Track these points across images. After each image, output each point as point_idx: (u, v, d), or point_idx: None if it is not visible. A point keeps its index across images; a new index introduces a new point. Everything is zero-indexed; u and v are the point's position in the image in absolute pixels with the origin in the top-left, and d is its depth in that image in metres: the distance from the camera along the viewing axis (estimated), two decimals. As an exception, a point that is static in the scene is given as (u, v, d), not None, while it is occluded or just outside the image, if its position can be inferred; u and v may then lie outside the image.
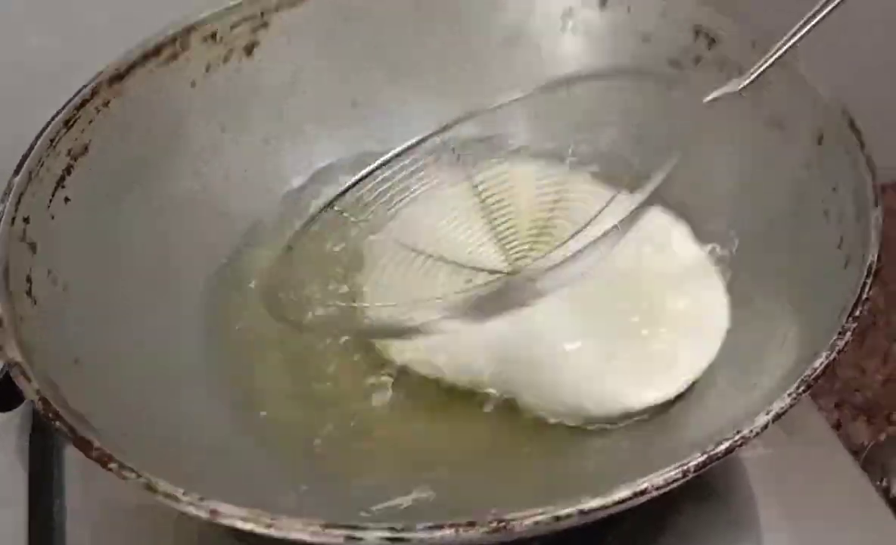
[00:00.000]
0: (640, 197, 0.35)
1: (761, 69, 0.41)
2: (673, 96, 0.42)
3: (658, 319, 0.44)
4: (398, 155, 0.48)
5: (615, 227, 0.35)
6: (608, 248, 0.36)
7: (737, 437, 0.31)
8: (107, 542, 0.45)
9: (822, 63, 0.45)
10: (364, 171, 0.47)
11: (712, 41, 0.50)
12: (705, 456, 0.31)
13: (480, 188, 0.49)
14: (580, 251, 0.35)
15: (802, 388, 0.32)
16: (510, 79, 0.48)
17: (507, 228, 0.47)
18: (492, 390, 0.43)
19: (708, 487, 0.45)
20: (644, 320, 0.44)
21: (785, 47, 0.40)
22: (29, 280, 0.39)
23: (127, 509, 0.45)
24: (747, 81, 0.41)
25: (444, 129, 0.48)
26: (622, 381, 0.42)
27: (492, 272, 0.45)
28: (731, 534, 0.44)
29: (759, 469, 0.46)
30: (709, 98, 0.40)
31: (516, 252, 0.46)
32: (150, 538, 0.45)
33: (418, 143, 0.48)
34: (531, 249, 0.46)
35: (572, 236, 0.36)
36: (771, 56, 0.40)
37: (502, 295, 0.36)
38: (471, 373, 0.43)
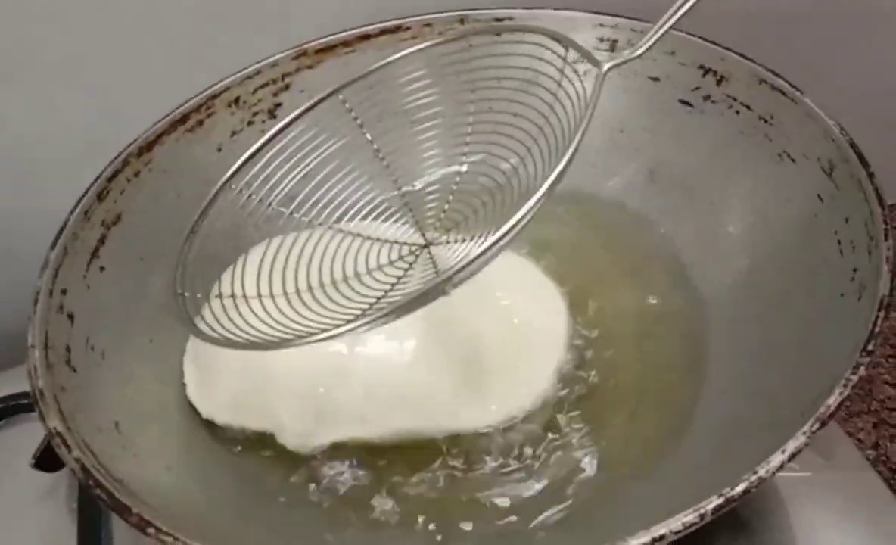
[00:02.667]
0: (562, 164, 0.34)
1: (659, 34, 0.40)
2: (577, 67, 0.40)
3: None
4: (293, 121, 0.44)
5: (535, 204, 0.34)
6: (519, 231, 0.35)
7: (753, 478, 0.31)
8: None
9: (829, 94, 0.46)
10: (261, 142, 0.43)
11: (721, 79, 0.50)
12: (722, 498, 0.31)
13: (382, 152, 0.47)
14: (492, 247, 0.34)
15: (817, 427, 0.33)
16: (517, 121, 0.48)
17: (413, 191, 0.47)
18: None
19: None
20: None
21: (676, 16, 0.39)
22: (68, 350, 0.41)
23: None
24: (646, 47, 0.40)
25: (339, 89, 0.44)
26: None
27: (407, 244, 0.45)
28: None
29: (794, 491, 0.47)
30: (609, 65, 0.40)
31: (427, 218, 0.46)
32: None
33: (314, 105, 0.44)
34: (440, 216, 0.46)
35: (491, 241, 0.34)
36: (663, 23, 0.40)
37: (422, 296, 0.34)
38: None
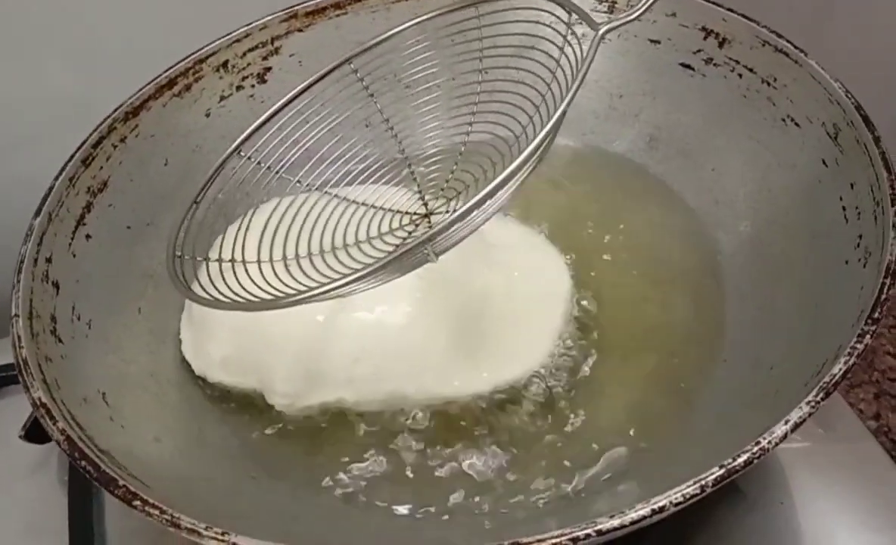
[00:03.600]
0: (546, 129, 0.34)
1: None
2: (576, 29, 0.40)
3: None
4: (304, 91, 0.44)
5: (518, 168, 0.33)
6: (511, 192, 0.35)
7: (755, 449, 0.31)
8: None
9: (836, 59, 0.45)
10: (273, 109, 0.43)
11: (723, 41, 0.49)
12: (724, 469, 0.30)
13: (391, 121, 0.47)
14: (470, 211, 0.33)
15: (821, 396, 0.32)
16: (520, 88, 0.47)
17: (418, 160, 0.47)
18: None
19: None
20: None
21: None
22: (53, 319, 0.40)
23: (165, 538, 0.46)
24: (643, 8, 0.39)
25: (351, 57, 0.44)
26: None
27: (408, 213, 0.45)
28: (765, 527, 0.44)
29: (794, 462, 0.46)
30: (606, 28, 0.38)
31: (430, 187, 0.46)
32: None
33: (326, 74, 0.44)
34: (443, 186, 0.46)
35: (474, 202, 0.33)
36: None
37: (400, 259, 0.34)
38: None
